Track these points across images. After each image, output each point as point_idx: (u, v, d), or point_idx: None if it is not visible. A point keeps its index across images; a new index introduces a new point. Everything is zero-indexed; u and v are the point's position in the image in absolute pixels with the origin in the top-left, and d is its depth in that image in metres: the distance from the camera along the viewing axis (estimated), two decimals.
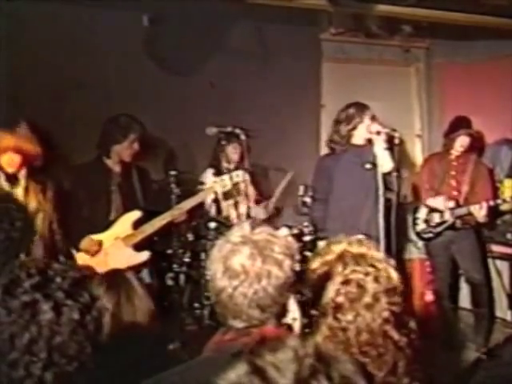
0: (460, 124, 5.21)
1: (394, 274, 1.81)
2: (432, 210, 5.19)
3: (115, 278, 2.70)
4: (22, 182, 4.04)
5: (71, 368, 1.31)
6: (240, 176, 4.39)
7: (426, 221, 5.22)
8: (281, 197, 5.43)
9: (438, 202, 5.16)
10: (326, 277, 1.82)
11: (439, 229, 5.16)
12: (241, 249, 1.71)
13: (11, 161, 3.98)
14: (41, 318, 1.29)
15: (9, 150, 3.96)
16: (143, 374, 1.69)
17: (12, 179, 4.00)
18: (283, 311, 1.77)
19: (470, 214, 5.05)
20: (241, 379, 0.97)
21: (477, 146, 5.47)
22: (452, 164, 5.26)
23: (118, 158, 4.48)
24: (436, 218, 5.16)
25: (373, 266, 1.79)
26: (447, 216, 5.10)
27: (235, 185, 4.45)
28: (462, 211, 5.08)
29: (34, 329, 1.28)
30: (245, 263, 1.69)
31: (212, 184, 4.36)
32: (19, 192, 3.97)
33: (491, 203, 4.94)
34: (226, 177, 4.34)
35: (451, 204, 5.12)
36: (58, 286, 1.33)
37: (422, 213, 5.25)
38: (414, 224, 5.30)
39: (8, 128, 4.12)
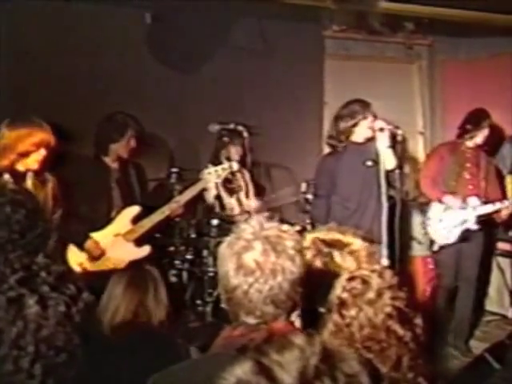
0: (482, 115, 4.84)
1: (370, 248, 1.97)
2: (448, 207, 4.77)
3: (142, 272, 2.78)
4: (29, 181, 3.74)
5: (60, 359, 1.33)
6: (234, 166, 4.38)
7: (441, 220, 4.79)
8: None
9: (455, 201, 4.73)
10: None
11: (459, 229, 4.70)
12: (253, 245, 1.68)
13: (40, 157, 3.62)
14: (27, 312, 1.30)
15: (42, 146, 3.60)
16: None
17: (18, 178, 3.68)
18: (294, 307, 1.75)
19: (494, 212, 4.68)
20: (247, 376, 0.97)
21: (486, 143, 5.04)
22: (466, 156, 4.88)
23: (115, 156, 4.48)
24: (456, 216, 4.70)
25: (345, 244, 1.88)
26: (468, 215, 4.68)
27: (233, 176, 4.41)
28: (486, 209, 4.67)
29: (20, 323, 1.29)
30: (259, 259, 1.66)
31: (206, 175, 4.30)
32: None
33: None
34: (219, 167, 4.31)
35: (475, 201, 4.69)
36: (42, 280, 1.34)
37: (435, 211, 4.83)
38: (425, 225, 4.94)
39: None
